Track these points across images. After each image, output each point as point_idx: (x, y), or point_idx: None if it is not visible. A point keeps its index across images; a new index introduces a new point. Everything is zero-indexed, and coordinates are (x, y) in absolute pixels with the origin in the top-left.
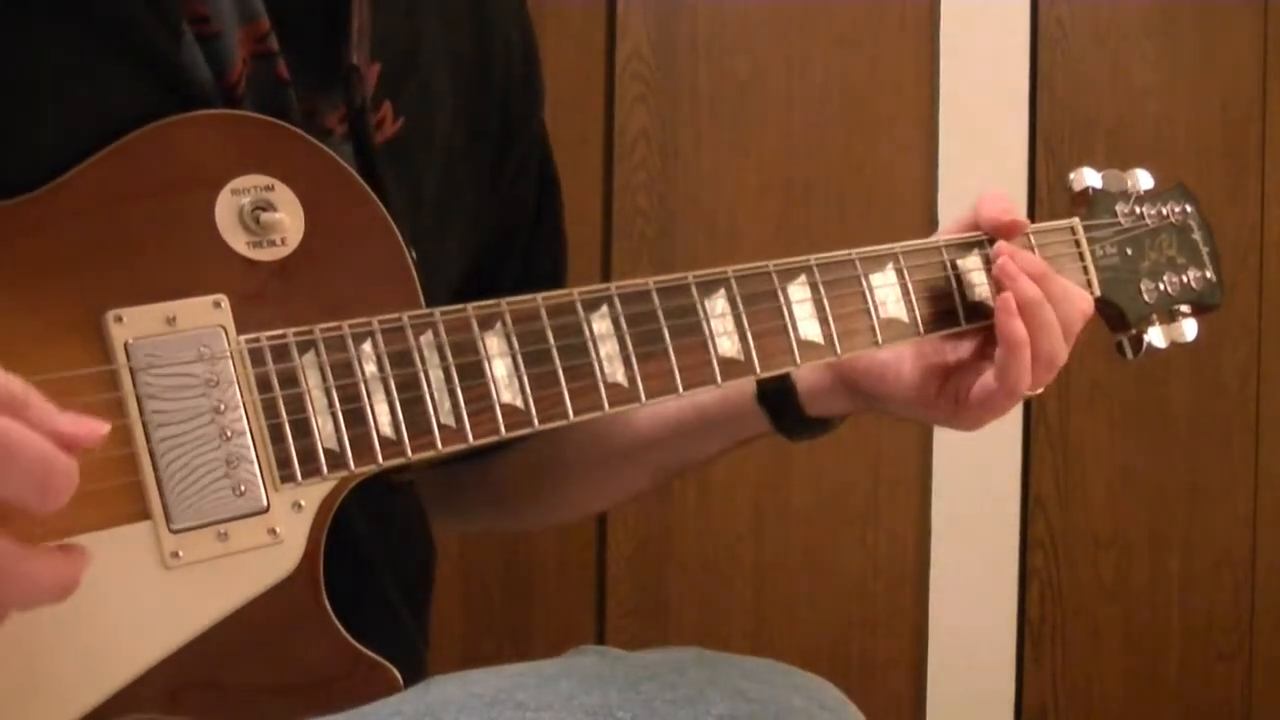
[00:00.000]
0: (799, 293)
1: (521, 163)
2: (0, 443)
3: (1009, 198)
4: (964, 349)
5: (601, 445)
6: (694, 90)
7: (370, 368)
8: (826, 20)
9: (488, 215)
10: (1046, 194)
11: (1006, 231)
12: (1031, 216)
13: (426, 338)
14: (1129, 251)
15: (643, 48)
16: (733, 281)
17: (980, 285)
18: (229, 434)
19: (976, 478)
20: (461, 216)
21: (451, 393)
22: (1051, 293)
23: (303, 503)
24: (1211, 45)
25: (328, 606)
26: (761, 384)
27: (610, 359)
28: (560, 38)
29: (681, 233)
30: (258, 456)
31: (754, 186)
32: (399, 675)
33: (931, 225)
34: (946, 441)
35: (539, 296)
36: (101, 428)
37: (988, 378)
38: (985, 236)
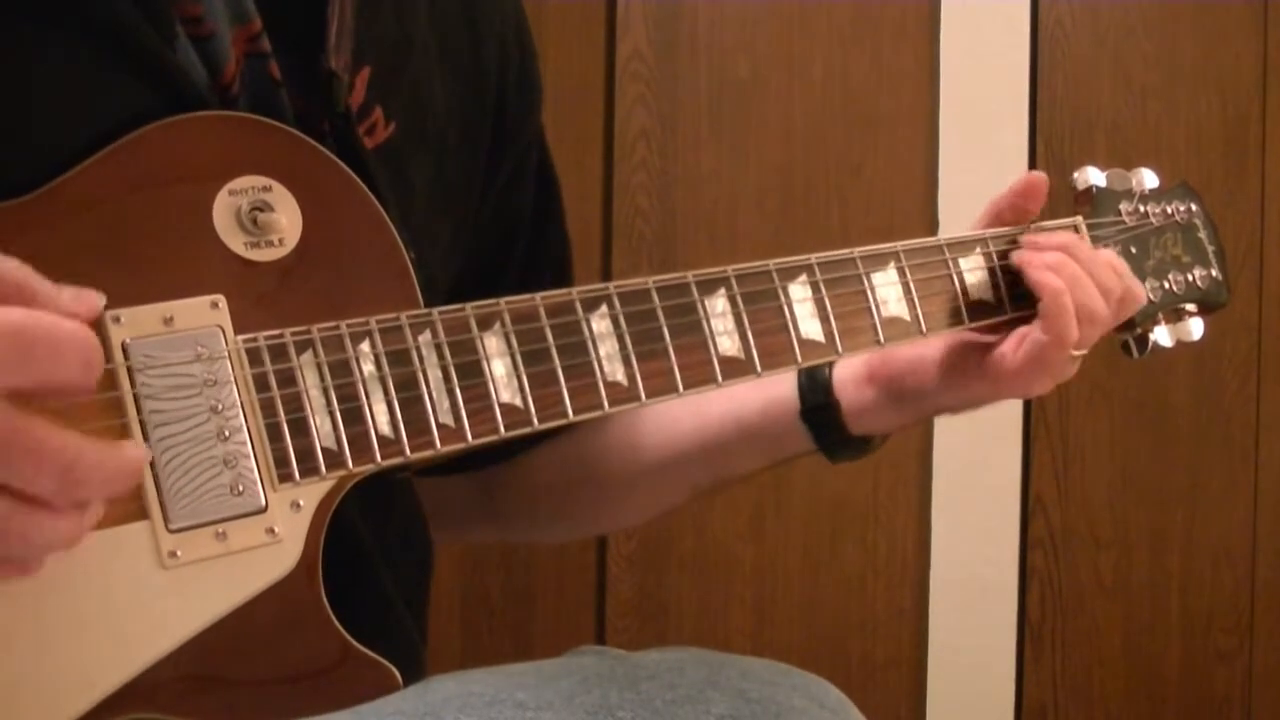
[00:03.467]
0: (800, 292)
1: (518, 163)
2: (48, 333)
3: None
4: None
5: (640, 459)
6: (694, 90)
7: (368, 367)
8: (826, 20)
9: (482, 217)
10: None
11: (1030, 194)
12: None
13: (425, 337)
14: (1133, 250)
15: (643, 48)
16: (733, 280)
17: (983, 284)
18: (227, 434)
19: (976, 478)
20: (454, 219)
21: (450, 392)
22: (1079, 256)
23: (301, 502)
24: (1211, 45)
25: (326, 606)
26: (804, 402)
27: (610, 358)
28: (560, 38)
29: (681, 233)
30: (255, 456)
31: (754, 186)
32: (398, 674)
33: (931, 225)
34: (946, 441)
35: (537, 296)
36: (96, 300)
37: (1036, 332)
38: (987, 235)
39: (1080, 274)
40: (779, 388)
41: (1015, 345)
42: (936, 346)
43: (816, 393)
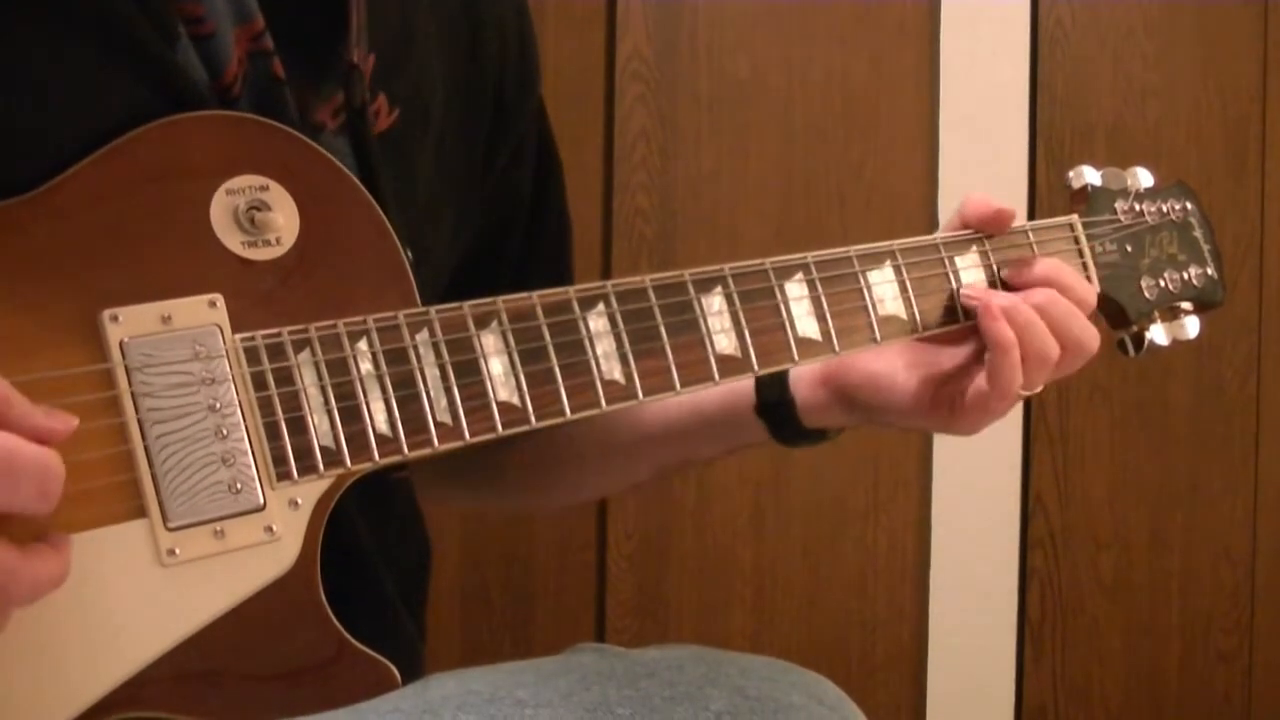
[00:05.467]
0: (796, 290)
1: (518, 145)
2: (5, 460)
3: (992, 196)
4: (958, 355)
5: (607, 439)
6: (694, 90)
7: (366, 366)
8: (826, 20)
9: (482, 200)
10: (1046, 194)
11: (995, 223)
12: (1031, 216)
13: (422, 336)
14: (1129, 248)
15: (643, 48)
16: (729, 279)
17: (978, 282)
18: (225, 432)
19: (976, 478)
20: (454, 202)
21: (448, 390)
22: (1056, 283)
23: (299, 500)
24: (1211, 45)
25: (325, 604)
26: (761, 396)
27: (607, 357)
28: (560, 37)
29: (681, 233)
30: (254, 454)
31: (754, 186)
32: (396, 672)
33: (932, 225)
34: (946, 441)
35: (534, 295)
36: (70, 420)
37: (980, 381)
38: (983, 234)
39: (1034, 320)
40: (739, 381)
41: (963, 390)
42: (895, 368)
43: (772, 388)
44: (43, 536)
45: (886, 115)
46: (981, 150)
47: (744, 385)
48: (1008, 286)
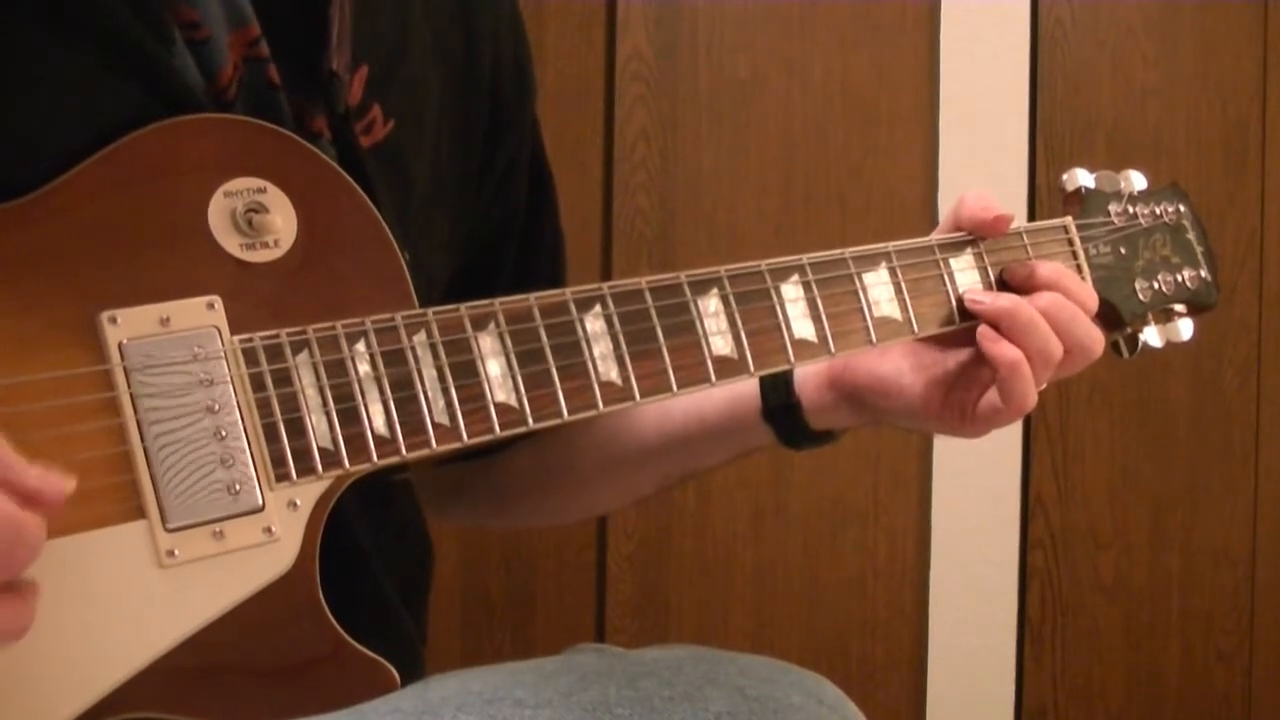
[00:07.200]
0: (792, 292)
1: (513, 158)
2: None
3: (990, 196)
4: (963, 355)
5: (608, 452)
6: (694, 90)
7: (364, 367)
8: (826, 20)
9: (477, 213)
10: (1046, 194)
11: (989, 229)
12: (1031, 217)
13: (420, 337)
14: (1123, 250)
15: (643, 48)
16: (725, 281)
17: (974, 284)
18: (223, 433)
19: (976, 478)
20: (448, 212)
21: (445, 391)
22: (1059, 287)
23: (298, 501)
24: (1211, 45)
25: (324, 605)
26: (766, 401)
27: (604, 358)
28: (560, 38)
29: (681, 233)
30: (252, 455)
31: (754, 186)
32: (396, 673)
33: (932, 225)
34: (946, 442)
35: (532, 296)
36: (67, 484)
37: (994, 397)
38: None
39: (1036, 319)
40: (742, 386)
41: (974, 399)
42: (902, 371)
43: (778, 392)
44: (11, 585)
45: (886, 115)
46: (981, 150)
47: (747, 390)
48: (1007, 289)
